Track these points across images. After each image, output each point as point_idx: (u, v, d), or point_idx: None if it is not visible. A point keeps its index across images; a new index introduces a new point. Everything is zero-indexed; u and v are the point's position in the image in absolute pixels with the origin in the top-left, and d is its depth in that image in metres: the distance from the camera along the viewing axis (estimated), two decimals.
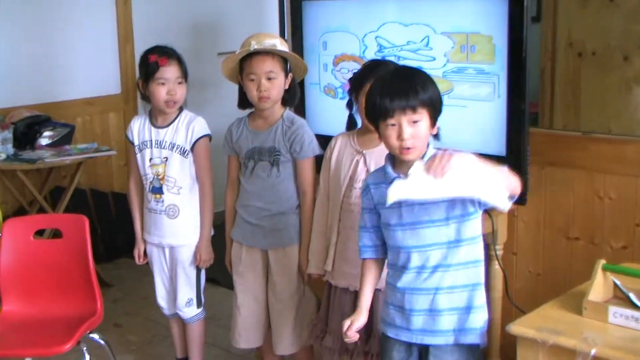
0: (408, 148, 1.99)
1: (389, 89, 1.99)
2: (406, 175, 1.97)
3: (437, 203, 1.99)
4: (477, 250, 2.06)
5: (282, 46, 2.69)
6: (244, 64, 2.68)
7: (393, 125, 1.98)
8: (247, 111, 2.82)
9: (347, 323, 2.11)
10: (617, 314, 1.89)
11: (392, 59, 2.82)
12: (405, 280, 2.06)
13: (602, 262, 2.03)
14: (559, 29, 3.62)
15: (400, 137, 1.98)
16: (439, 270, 2.03)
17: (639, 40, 3.39)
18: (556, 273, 2.96)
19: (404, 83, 2.00)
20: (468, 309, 2.04)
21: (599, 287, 2.00)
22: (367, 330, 2.42)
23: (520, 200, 2.71)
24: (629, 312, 1.86)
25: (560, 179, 2.92)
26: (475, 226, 2.04)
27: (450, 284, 2.03)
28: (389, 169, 2.06)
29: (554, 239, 2.94)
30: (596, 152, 2.84)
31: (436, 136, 2.08)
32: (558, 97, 3.62)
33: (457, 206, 2.00)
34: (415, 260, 2.04)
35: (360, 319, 2.12)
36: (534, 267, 3.01)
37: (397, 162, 2.06)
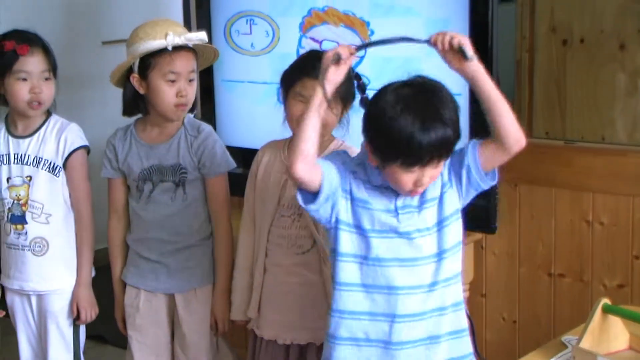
0: (417, 191, 2.06)
1: (425, 121, 1.97)
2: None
3: None
4: None
5: (206, 36, 2.76)
6: (154, 60, 2.68)
7: (413, 172, 2.01)
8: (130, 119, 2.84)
9: None
10: None
11: None
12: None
13: (605, 301, 2.09)
14: (539, 9, 3.72)
15: (417, 183, 2.03)
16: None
17: (639, 23, 3.51)
18: (537, 319, 3.04)
19: (438, 114, 1.99)
20: None
21: (595, 332, 2.07)
22: None
23: (489, 227, 2.81)
24: None
25: (539, 201, 3.01)
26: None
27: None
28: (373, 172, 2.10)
29: (532, 276, 3.02)
30: (584, 166, 2.96)
31: None
32: (538, 96, 3.71)
33: None
34: None
35: None
36: (509, 313, 3.08)
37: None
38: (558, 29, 3.68)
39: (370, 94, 2.95)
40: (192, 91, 2.73)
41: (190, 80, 2.72)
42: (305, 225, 2.55)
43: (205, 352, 2.82)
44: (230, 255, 2.79)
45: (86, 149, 2.91)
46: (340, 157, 2.14)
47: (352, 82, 2.54)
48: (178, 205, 2.78)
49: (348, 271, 2.12)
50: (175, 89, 2.69)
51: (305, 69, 2.51)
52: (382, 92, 2.06)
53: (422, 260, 2.10)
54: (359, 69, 2.99)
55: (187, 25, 3.63)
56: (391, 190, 2.09)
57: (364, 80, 2.64)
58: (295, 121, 2.52)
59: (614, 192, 2.89)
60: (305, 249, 2.57)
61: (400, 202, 2.10)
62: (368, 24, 3.00)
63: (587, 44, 3.63)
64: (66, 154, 2.87)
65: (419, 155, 1.97)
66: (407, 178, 2.02)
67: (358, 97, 2.60)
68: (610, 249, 2.92)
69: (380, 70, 2.99)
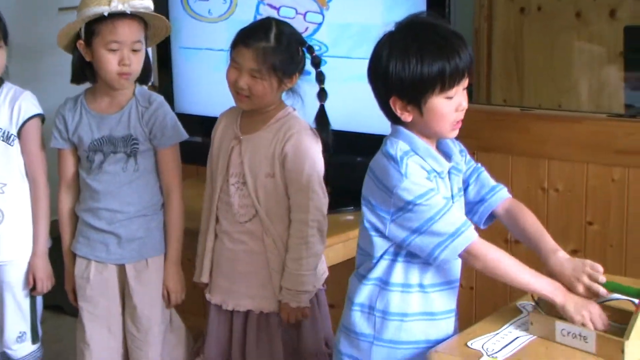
0: (459, 121, 2.06)
1: (451, 46, 1.99)
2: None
3: None
4: None
5: (152, 4, 2.72)
6: (97, 27, 2.65)
7: (450, 98, 2.00)
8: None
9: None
10: (565, 332, 1.98)
11: None
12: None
13: None
14: None
15: (459, 107, 2.02)
16: None
17: None
18: (493, 285, 3.05)
19: (456, 36, 2.02)
20: None
21: None
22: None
23: None
24: (577, 329, 1.96)
25: (496, 168, 3.00)
26: None
27: None
28: (438, 155, 2.08)
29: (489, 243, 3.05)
30: (540, 133, 2.97)
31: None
32: (496, 64, 3.75)
33: None
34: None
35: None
36: (466, 280, 3.10)
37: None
38: None
39: (327, 60, 2.99)
40: (137, 60, 2.69)
41: (135, 50, 2.68)
42: (247, 195, 2.56)
43: (156, 323, 2.81)
44: (181, 226, 2.78)
45: (41, 117, 2.88)
46: (420, 173, 2.05)
47: (293, 54, 2.53)
48: (129, 175, 2.76)
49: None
50: (117, 57, 2.65)
51: (244, 36, 2.51)
52: (385, 45, 2.03)
53: None
54: (317, 36, 3.00)
55: None
56: (448, 179, 2.11)
57: (317, 52, 2.65)
58: (231, 87, 2.52)
59: (568, 159, 2.92)
60: (247, 218, 2.58)
61: (455, 187, 2.12)
62: None
63: (544, 12, 3.66)
64: (20, 122, 2.83)
65: (456, 67, 1.97)
66: (448, 106, 2.01)
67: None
68: (565, 215, 2.95)
69: (338, 37, 2.98)
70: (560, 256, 2.07)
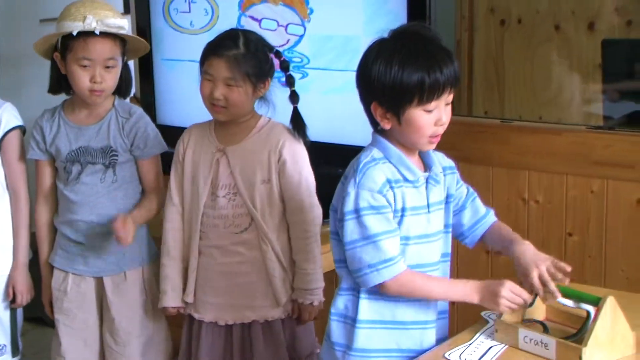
0: (438, 135, 2.06)
1: (435, 59, 1.98)
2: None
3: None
4: None
5: (127, 24, 2.72)
6: (70, 42, 2.65)
7: (430, 111, 2.00)
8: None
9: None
10: (527, 339, 2.01)
11: None
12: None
13: None
14: None
15: (438, 121, 2.02)
16: None
17: (573, 4, 3.56)
18: None
19: (444, 51, 2.02)
20: None
21: None
22: None
23: None
24: (539, 336, 1.98)
25: (477, 179, 3.03)
26: None
27: None
28: (411, 164, 2.08)
29: (469, 253, 3.05)
30: (520, 144, 3.00)
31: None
32: (477, 76, 3.77)
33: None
34: None
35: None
36: None
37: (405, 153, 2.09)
38: (496, 10, 3.74)
39: (309, 72, 3.00)
40: (110, 77, 2.68)
41: (108, 67, 2.67)
42: (242, 204, 2.55)
43: (135, 336, 2.80)
44: (152, 211, 2.76)
45: (21, 129, 2.87)
46: (374, 186, 2.03)
47: (263, 59, 2.53)
48: (107, 187, 2.75)
49: None
50: (89, 74, 2.65)
51: (213, 47, 2.51)
52: (374, 50, 2.03)
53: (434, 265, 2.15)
54: (299, 48, 3.02)
55: (126, 4, 3.59)
56: (424, 188, 2.10)
57: (286, 57, 2.66)
58: (206, 100, 2.52)
59: (548, 171, 2.94)
60: (243, 228, 2.57)
61: (432, 197, 2.11)
62: (307, 2, 3.00)
63: (524, 24, 3.69)
64: (1, 134, 2.83)
65: (436, 81, 1.97)
66: (427, 120, 2.00)
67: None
68: (545, 226, 2.97)
69: (319, 49, 3.00)
70: (527, 245, 2.10)
